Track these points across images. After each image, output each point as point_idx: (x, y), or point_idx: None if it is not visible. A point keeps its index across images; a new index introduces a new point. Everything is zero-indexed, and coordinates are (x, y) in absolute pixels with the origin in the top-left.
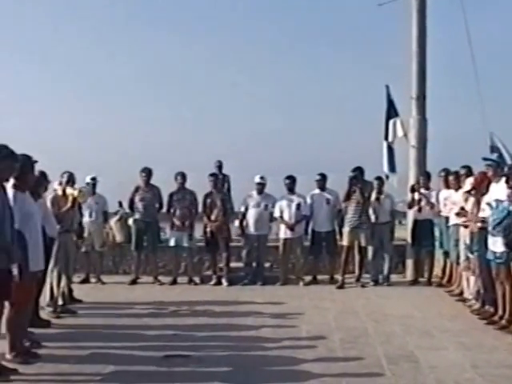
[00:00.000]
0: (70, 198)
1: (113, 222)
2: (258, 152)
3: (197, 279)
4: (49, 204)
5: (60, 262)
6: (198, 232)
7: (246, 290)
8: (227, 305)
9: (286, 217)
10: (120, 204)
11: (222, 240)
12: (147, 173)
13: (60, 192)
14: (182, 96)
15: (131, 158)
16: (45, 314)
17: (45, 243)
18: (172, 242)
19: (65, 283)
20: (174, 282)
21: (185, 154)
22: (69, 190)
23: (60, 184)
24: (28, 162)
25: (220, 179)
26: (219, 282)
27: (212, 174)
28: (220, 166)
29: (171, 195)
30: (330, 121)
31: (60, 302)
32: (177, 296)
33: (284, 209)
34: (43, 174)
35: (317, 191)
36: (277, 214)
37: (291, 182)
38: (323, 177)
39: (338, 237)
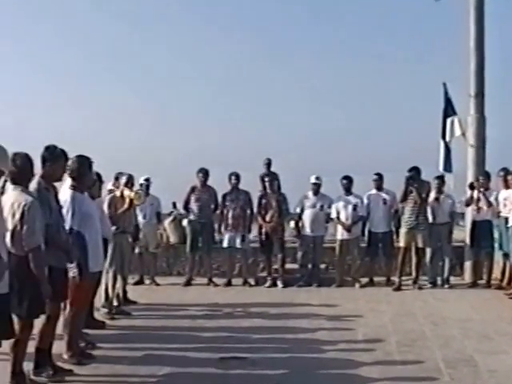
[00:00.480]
0: (127, 200)
1: (167, 223)
2: (310, 151)
3: (251, 281)
4: (106, 205)
5: (115, 263)
6: (253, 233)
7: (302, 292)
8: (282, 307)
9: (342, 218)
10: (174, 205)
11: (277, 241)
12: (204, 173)
13: (118, 193)
14: (232, 94)
15: (181, 158)
16: (100, 315)
17: None
18: (225, 244)
19: (120, 284)
20: (229, 284)
21: (235, 154)
22: (126, 192)
23: (114, 185)
24: (86, 162)
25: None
26: (274, 284)
27: (268, 174)
28: (269, 164)
29: (224, 196)
30: (386, 119)
31: (115, 303)
32: (231, 298)
33: (341, 210)
34: (98, 175)
35: (374, 191)
36: (333, 214)
37: (348, 183)
38: (380, 177)
39: (394, 238)
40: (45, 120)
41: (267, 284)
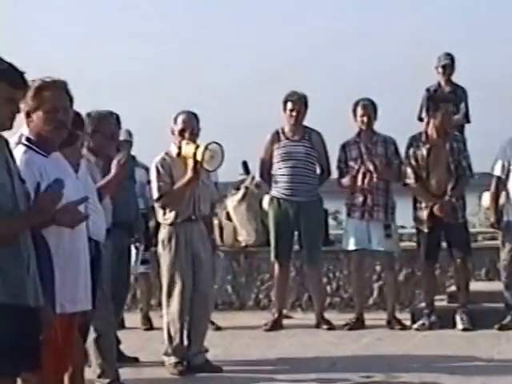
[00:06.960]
0: (190, 162)
1: (231, 203)
2: None
3: (405, 319)
4: (153, 173)
5: (175, 276)
6: (404, 219)
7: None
8: (468, 375)
9: None
10: (245, 167)
11: (453, 233)
12: (297, 101)
13: (175, 151)
14: None
15: None
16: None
17: None
18: (351, 244)
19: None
20: (358, 324)
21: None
22: (186, 147)
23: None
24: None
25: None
26: (452, 323)
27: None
28: (449, 66)
29: (344, 147)
30: None
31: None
32: (364, 351)
33: None
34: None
35: None
36: None
37: None
38: None
39: None
40: None
41: (425, 321)
